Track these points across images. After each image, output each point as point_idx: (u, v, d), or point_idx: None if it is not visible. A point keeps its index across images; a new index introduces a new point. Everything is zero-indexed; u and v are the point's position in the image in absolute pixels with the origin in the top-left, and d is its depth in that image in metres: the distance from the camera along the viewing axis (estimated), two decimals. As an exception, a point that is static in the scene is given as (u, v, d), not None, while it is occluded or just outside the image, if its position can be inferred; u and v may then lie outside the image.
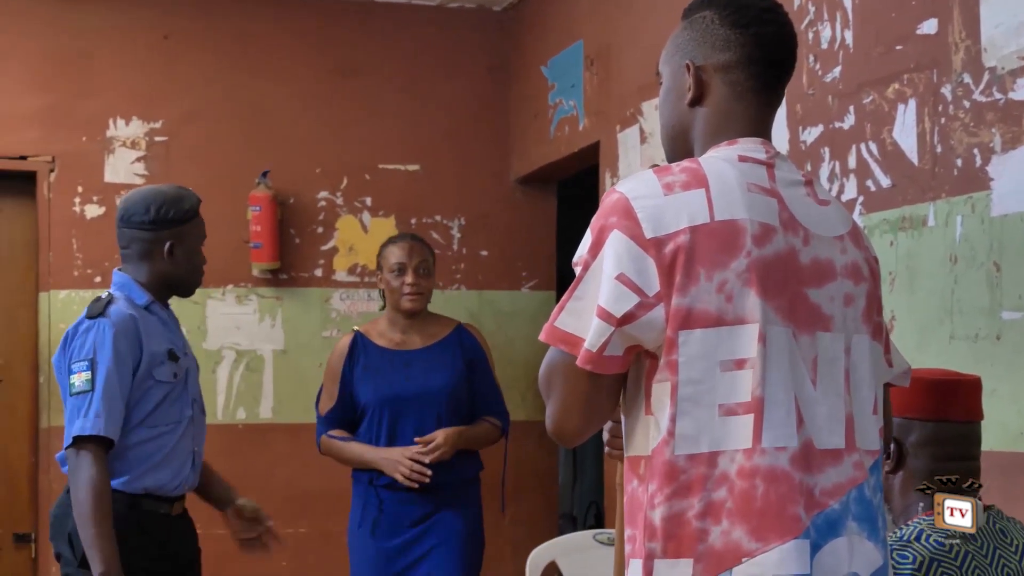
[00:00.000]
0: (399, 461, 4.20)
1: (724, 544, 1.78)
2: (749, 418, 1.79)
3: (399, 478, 4.19)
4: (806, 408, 1.84)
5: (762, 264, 1.83)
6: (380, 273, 4.45)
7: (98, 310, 3.43)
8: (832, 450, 1.86)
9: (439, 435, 4.22)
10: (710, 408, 1.80)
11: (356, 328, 4.52)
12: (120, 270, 3.60)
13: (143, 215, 3.54)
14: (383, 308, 4.52)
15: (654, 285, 1.81)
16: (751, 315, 1.81)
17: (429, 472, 4.17)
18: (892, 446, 2.32)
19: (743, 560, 1.77)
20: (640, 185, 1.88)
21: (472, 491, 4.44)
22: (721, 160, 1.92)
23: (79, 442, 3.31)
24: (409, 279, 4.35)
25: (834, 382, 1.89)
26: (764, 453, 1.79)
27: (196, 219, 3.63)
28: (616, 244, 1.83)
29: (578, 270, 1.88)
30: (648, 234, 1.82)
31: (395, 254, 4.39)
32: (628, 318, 1.80)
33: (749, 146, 1.96)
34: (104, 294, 3.52)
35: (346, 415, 4.40)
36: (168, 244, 3.55)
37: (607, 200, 1.89)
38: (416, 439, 4.23)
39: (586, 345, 1.82)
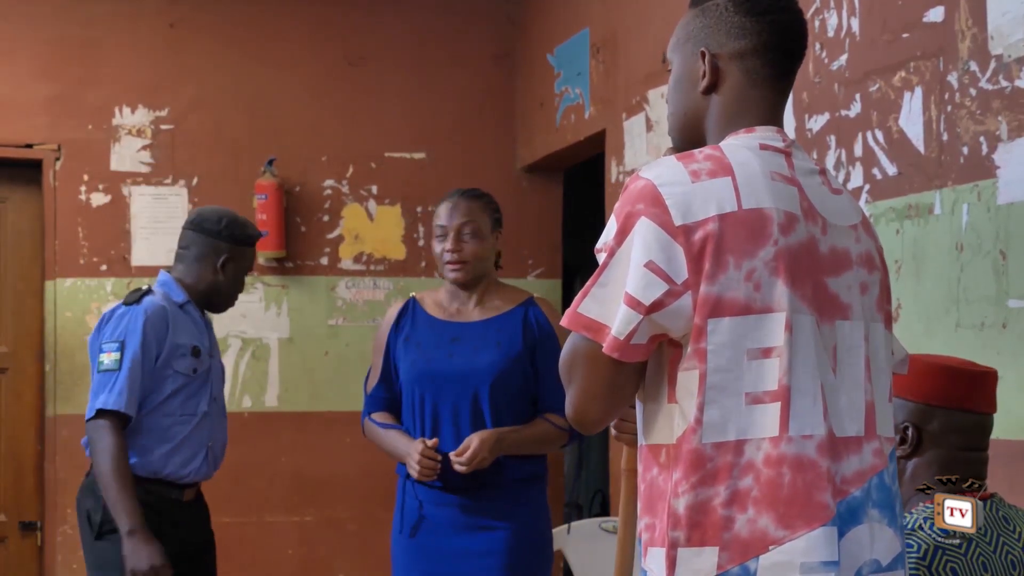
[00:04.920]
0: (410, 454, 3.52)
1: (750, 532, 1.78)
2: (776, 406, 1.80)
3: (414, 475, 3.52)
4: (829, 396, 1.85)
5: (788, 253, 1.84)
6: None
7: (134, 299, 3.77)
8: (852, 438, 1.87)
9: (474, 440, 3.47)
10: (736, 396, 1.80)
11: (413, 294, 3.81)
12: (167, 270, 3.96)
13: (215, 224, 3.90)
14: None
15: (682, 273, 1.80)
16: (778, 304, 1.81)
17: (438, 467, 3.50)
18: (910, 432, 2.31)
19: (770, 548, 1.78)
20: (667, 171, 1.87)
21: (530, 492, 3.67)
22: (743, 148, 1.92)
23: (101, 414, 3.64)
24: (448, 245, 3.60)
25: (853, 370, 1.90)
26: (791, 441, 1.79)
27: (253, 248, 4.01)
28: (644, 231, 1.82)
29: (602, 257, 1.87)
30: (677, 221, 1.81)
31: (439, 215, 3.65)
32: (656, 306, 1.80)
33: (767, 134, 1.96)
34: (144, 286, 3.87)
35: (391, 395, 3.71)
36: (224, 257, 3.90)
37: (633, 187, 1.87)
38: (453, 454, 3.50)
39: (613, 332, 1.82)
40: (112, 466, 3.59)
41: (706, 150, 1.92)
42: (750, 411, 1.80)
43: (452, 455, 3.48)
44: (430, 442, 3.51)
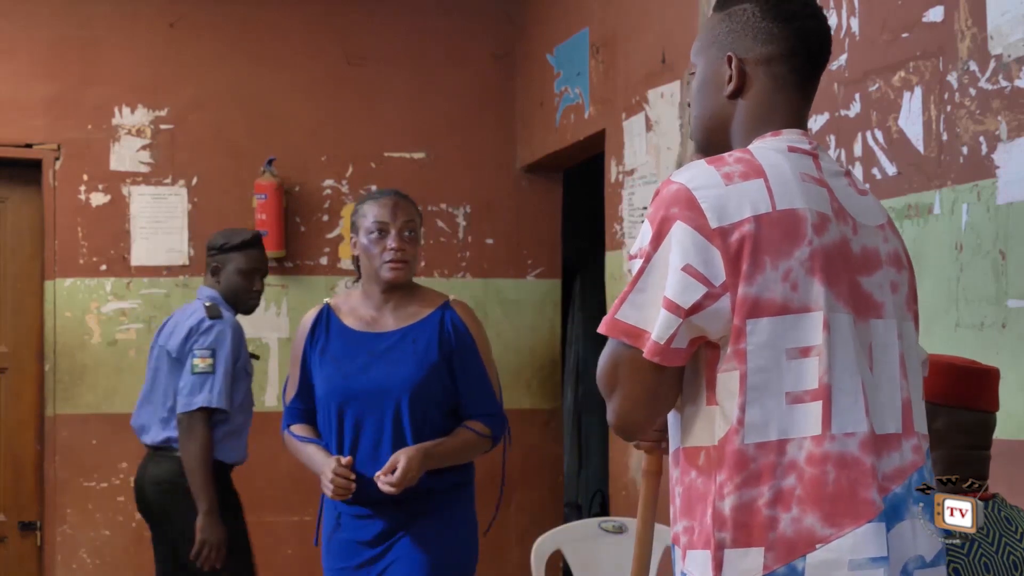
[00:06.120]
0: (324, 473, 3.42)
1: (795, 531, 1.79)
2: (817, 405, 1.81)
3: (327, 493, 3.42)
4: (869, 394, 1.86)
5: (823, 253, 1.86)
6: (355, 236, 3.57)
7: (216, 314, 4.43)
8: (892, 435, 1.89)
9: (401, 459, 3.34)
10: (777, 396, 1.82)
11: (327, 300, 3.68)
12: (203, 285, 4.61)
13: (209, 242, 4.60)
14: (357, 280, 3.68)
15: (720, 275, 1.82)
16: (816, 303, 1.83)
17: (352, 486, 3.39)
18: None
19: (817, 546, 1.78)
20: (699, 175, 1.88)
21: (452, 500, 3.56)
22: (772, 151, 1.94)
23: (201, 410, 4.33)
24: (392, 243, 3.48)
25: (889, 368, 1.92)
26: (834, 439, 1.81)
27: (245, 250, 4.54)
28: (680, 235, 1.83)
29: (637, 263, 1.88)
30: (713, 224, 1.83)
31: (374, 212, 3.51)
32: (696, 308, 1.81)
33: (794, 137, 1.98)
34: (207, 303, 4.47)
35: (309, 407, 3.62)
36: (214, 265, 4.55)
37: (666, 191, 1.88)
38: (379, 475, 3.37)
39: (654, 337, 1.83)
40: (203, 457, 4.31)
41: (735, 153, 1.94)
42: (791, 410, 1.82)
43: (379, 475, 3.36)
44: (344, 460, 3.41)
